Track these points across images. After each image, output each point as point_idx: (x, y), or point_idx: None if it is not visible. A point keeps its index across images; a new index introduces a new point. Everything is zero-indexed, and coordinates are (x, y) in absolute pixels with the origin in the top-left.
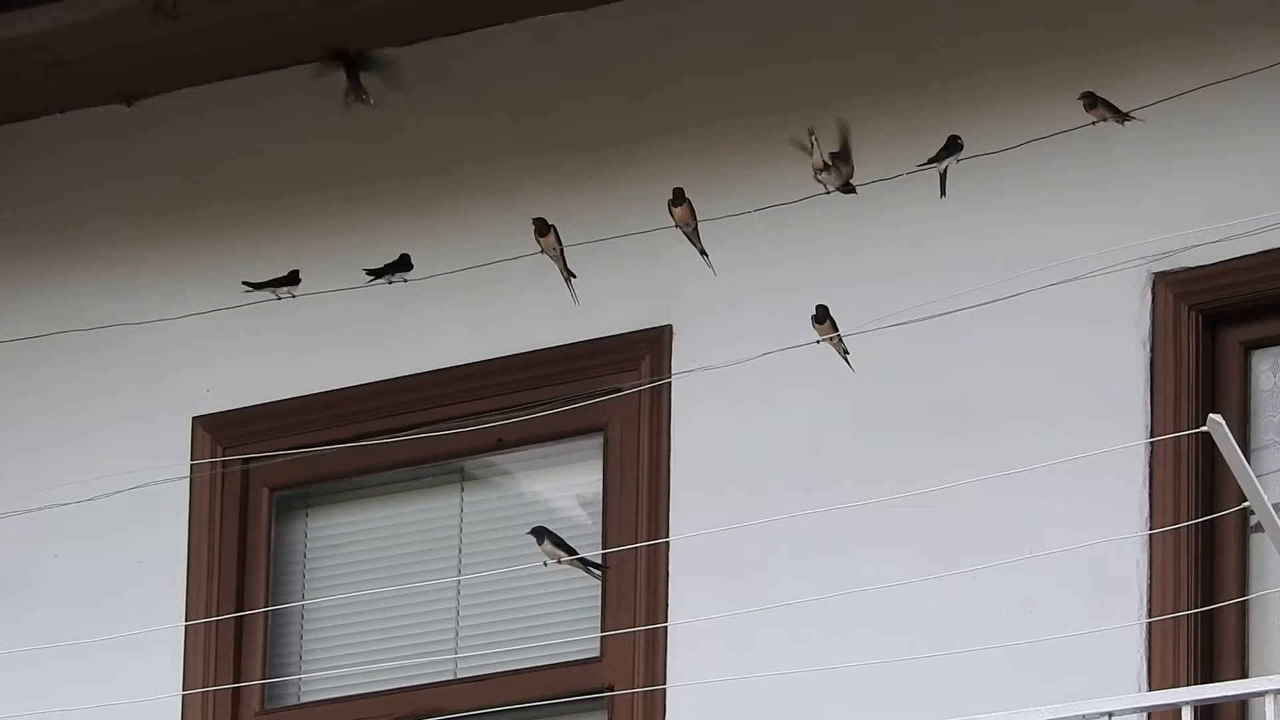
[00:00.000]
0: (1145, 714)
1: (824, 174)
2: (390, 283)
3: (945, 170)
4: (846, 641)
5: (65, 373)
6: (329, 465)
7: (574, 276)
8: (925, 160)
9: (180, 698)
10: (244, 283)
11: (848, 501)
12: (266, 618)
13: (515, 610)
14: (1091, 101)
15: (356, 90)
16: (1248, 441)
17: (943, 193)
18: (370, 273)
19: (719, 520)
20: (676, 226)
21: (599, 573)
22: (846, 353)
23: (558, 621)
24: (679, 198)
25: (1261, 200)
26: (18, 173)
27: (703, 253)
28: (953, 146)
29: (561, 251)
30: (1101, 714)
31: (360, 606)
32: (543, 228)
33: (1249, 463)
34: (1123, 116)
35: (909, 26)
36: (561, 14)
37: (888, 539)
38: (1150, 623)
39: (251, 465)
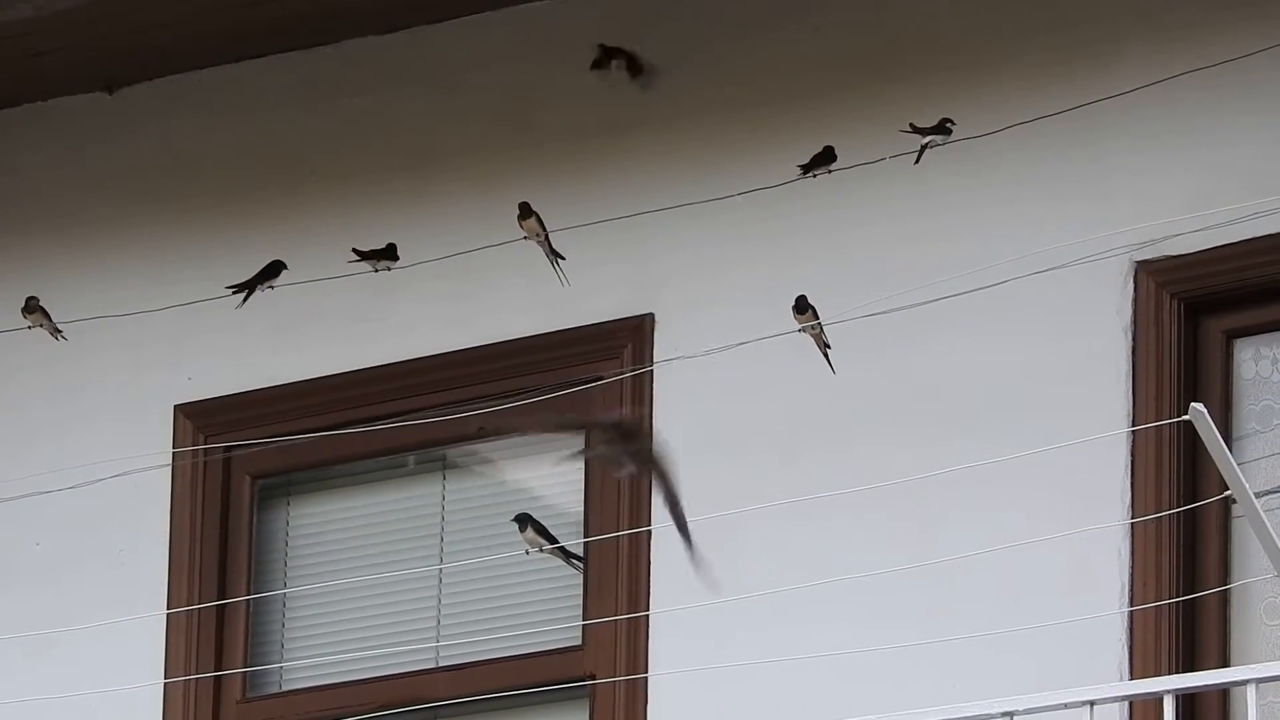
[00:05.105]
0: (1127, 703)
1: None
2: (375, 269)
3: (926, 144)
4: (827, 631)
5: (47, 362)
6: (311, 453)
7: (562, 258)
8: (911, 128)
9: (162, 686)
10: (229, 287)
11: (829, 490)
12: (248, 606)
13: (497, 599)
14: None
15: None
16: (1230, 430)
17: (917, 160)
18: (357, 253)
19: (700, 509)
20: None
21: (579, 564)
22: (828, 347)
23: (539, 610)
24: (525, 211)
25: (1244, 188)
26: None
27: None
28: (941, 129)
29: (546, 235)
30: (1083, 702)
31: (342, 595)
32: (525, 212)
33: (1231, 451)
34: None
35: (890, 16)
36: (544, 2)
37: (869, 528)
38: (1132, 611)
39: (233, 453)
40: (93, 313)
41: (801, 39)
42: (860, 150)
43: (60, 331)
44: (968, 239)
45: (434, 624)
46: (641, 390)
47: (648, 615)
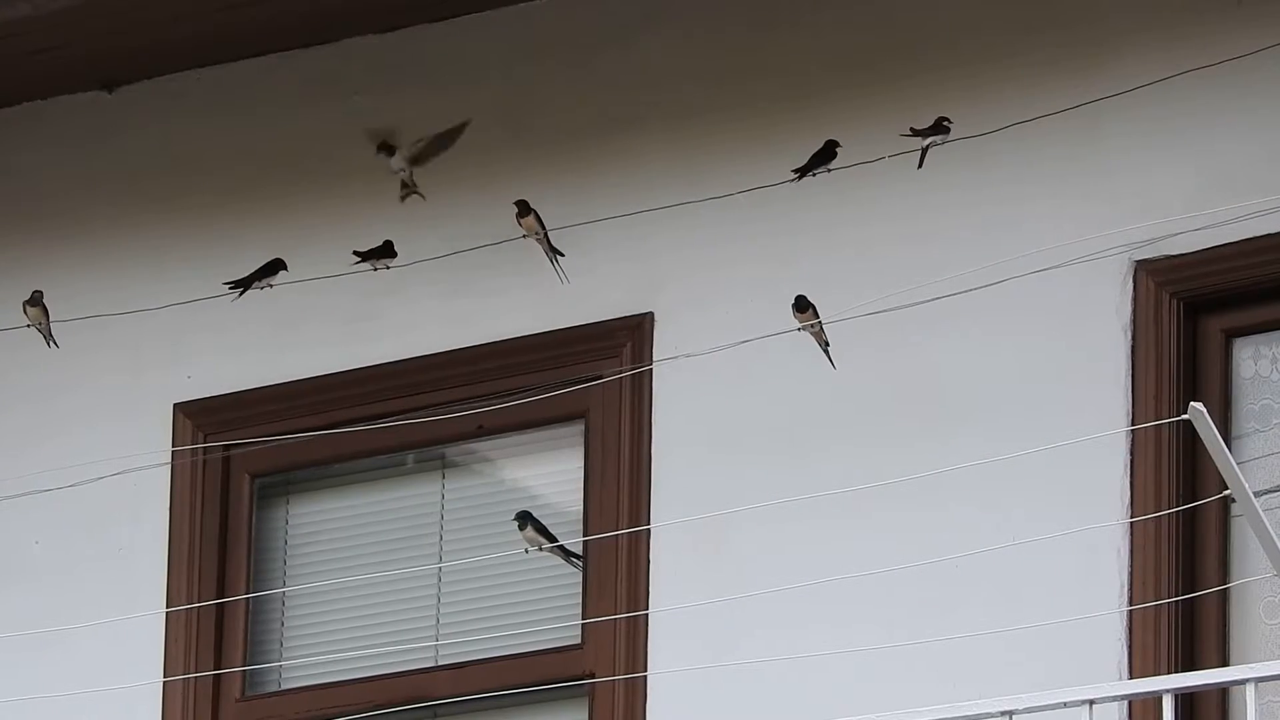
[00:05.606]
0: (1126, 702)
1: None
2: (375, 269)
3: (928, 146)
4: (827, 629)
5: (46, 360)
6: (310, 452)
7: (561, 255)
8: (911, 132)
9: (161, 684)
10: (226, 283)
11: (828, 489)
12: (247, 604)
13: (496, 597)
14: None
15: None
16: (1229, 429)
17: (920, 164)
18: (357, 254)
19: (700, 507)
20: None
21: (578, 562)
22: (827, 344)
23: (539, 608)
24: (524, 209)
25: (1243, 187)
26: None
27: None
28: (939, 128)
29: (545, 233)
30: (1083, 701)
31: (341, 593)
32: (524, 209)
33: (1230, 451)
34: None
35: (890, 15)
36: (543, 1)
37: (869, 527)
38: (1131, 610)
39: (233, 452)
40: (92, 311)
41: (801, 38)
42: (860, 149)
43: (52, 338)
44: (967, 238)
45: (433, 623)
46: (641, 389)
47: (647, 614)
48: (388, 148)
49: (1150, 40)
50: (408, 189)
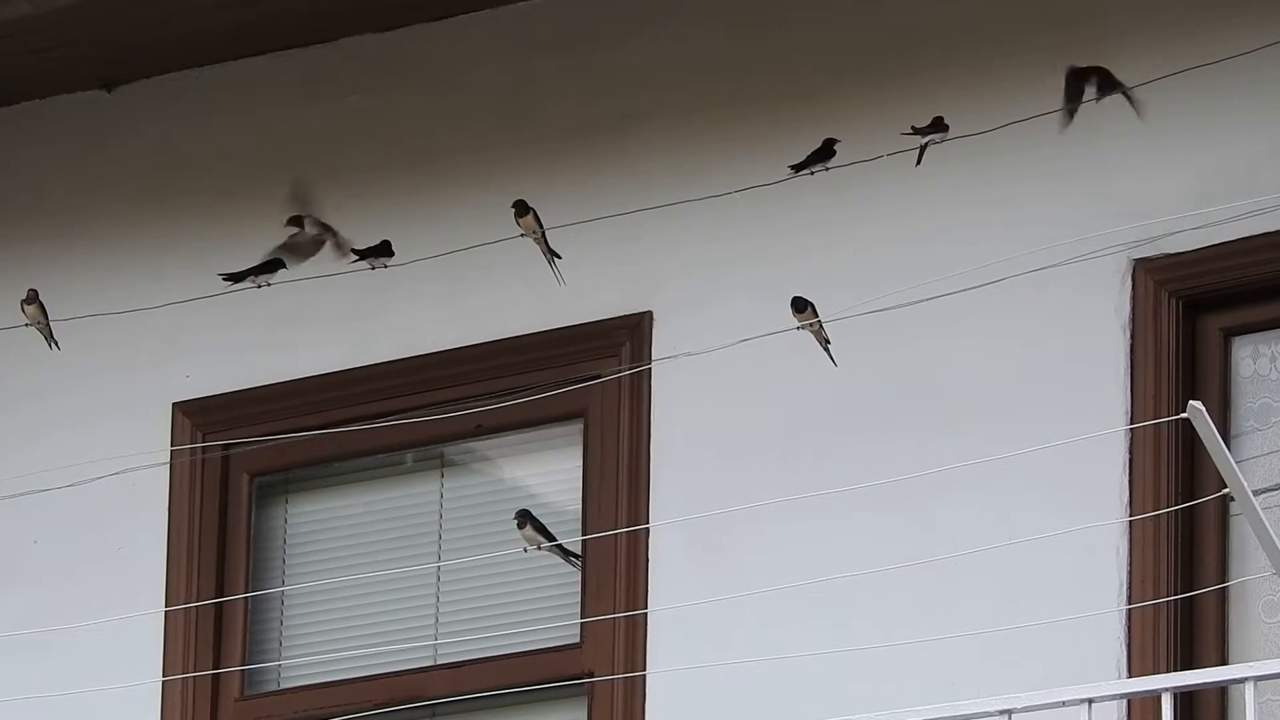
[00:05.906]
0: (1125, 701)
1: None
2: (373, 267)
3: (926, 144)
4: (826, 628)
5: (45, 359)
6: (309, 451)
7: (558, 257)
8: (910, 130)
9: (160, 684)
10: (221, 275)
11: (827, 488)
12: (246, 604)
13: (495, 596)
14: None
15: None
16: (1228, 428)
17: (918, 162)
18: (355, 252)
19: (699, 507)
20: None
21: (577, 561)
22: (828, 343)
23: (538, 608)
24: (522, 208)
25: (1242, 186)
26: None
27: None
28: (938, 127)
29: (543, 233)
30: (1082, 700)
31: (340, 592)
32: (522, 209)
33: (1229, 449)
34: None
35: (889, 13)
36: None
37: (868, 526)
38: (1130, 609)
39: (232, 451)
40: (91, 310)
41: (800, 37)
42: (859, 148)
43: (54, 339)
44: (966, 236)
45: (432, 622)
46: (640, 388)
47: (646, 613)
48: (296, 220)
49: (1150, 40)
50: (343, 251)
